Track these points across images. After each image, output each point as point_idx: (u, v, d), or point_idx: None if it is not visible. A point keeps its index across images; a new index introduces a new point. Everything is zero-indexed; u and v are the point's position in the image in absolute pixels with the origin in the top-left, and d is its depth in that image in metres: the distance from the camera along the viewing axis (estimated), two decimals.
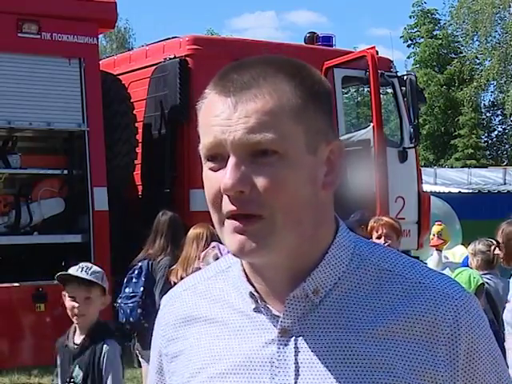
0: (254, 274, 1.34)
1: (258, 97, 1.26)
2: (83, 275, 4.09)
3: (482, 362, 1.31)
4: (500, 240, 5.86)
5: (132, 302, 6.36)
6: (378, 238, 5.78)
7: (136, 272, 6.41)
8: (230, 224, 1.26)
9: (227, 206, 1.26)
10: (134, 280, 6.41)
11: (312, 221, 1.29)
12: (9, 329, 8.22)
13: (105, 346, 4.10)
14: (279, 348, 1.31)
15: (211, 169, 1.29)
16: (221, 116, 1.26)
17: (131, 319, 6.35)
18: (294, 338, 1.30)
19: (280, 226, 1.25)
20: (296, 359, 1.29)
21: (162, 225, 6.60)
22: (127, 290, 6.40)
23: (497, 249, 6.00)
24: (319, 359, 1.28)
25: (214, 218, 1.29)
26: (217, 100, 1.28)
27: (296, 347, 1.30)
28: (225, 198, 1.26)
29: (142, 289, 6.34)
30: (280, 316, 1.31)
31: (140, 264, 6.42)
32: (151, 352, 1.50)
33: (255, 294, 1.33)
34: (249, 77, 1.27)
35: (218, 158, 1.27)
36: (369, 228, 5.85)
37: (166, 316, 1.45)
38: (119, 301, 6.39)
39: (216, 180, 1.27)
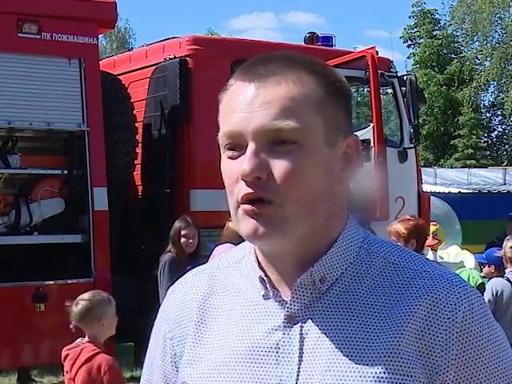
0: (266, 262, 1.35)
1: (282, 83, 1.26)
2: None
3: (479, 349, 1.29)
4: None
5: None
6: None
7: None
8: (243, 208, 1.27)
9: (244, 189, 1.26)
10: None
11: (326, 212, 1.30)
12: (9, 329, 8.21)
13: None
14: (284, 334, 1.31)
15: (230, 157, 1.29)
16: (243, 101, 1.27)
17: None
18: (299, 324, 1.31)
19: (293, 214, 1.26)
20: (300, 346, 1.30)
21: None
22: None
23: None
24: (323, 347, 1.29)
25: (231, 204, 1.30)
26: (240, 86, 1.29)
27: (301, 334, 1.31)
28: (242, 182, 1.26)
29: None
30: (287, 302, 1.32)
31: None
32: (152, 338, 1.48)
33: (265, 278, 1.34)
34: (273, 66, 1.28)
35: (238, 147, 1.28)
36: None
37: (173, 301, 1.45)
38: None
39: (235, 167, 1.27)
